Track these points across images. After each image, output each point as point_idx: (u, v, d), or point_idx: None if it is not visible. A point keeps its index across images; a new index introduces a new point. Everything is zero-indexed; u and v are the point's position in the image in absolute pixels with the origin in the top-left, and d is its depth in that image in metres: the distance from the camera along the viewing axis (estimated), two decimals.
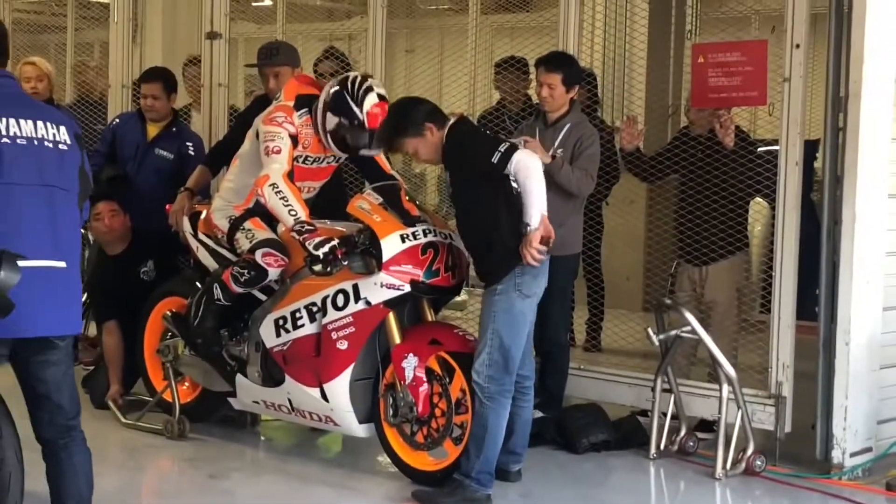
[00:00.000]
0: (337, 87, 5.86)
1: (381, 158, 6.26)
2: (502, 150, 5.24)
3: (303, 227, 5.49)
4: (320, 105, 5.88)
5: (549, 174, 5.98)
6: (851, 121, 5.90)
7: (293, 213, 5.53)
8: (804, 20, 6.04)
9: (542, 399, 6.14)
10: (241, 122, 6.74)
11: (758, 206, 7.22)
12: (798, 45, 6.05)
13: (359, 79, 5.88)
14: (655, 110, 8.44)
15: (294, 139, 5.85)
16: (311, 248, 5.39)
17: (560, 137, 6.34)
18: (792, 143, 6.09)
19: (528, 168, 5.21)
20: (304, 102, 5.93)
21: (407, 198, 5.90)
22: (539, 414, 6.05)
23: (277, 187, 5.59)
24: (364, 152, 5.94)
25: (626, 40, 8.47)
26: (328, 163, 6.16)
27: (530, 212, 5.25)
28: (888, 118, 6.02)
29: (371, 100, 5.81)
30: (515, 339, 5.33)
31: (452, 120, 5.47)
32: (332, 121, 5.85)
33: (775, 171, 6.20)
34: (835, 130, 6.03)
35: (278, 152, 5.74)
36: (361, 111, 5.79)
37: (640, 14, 8.70)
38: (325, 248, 5.39)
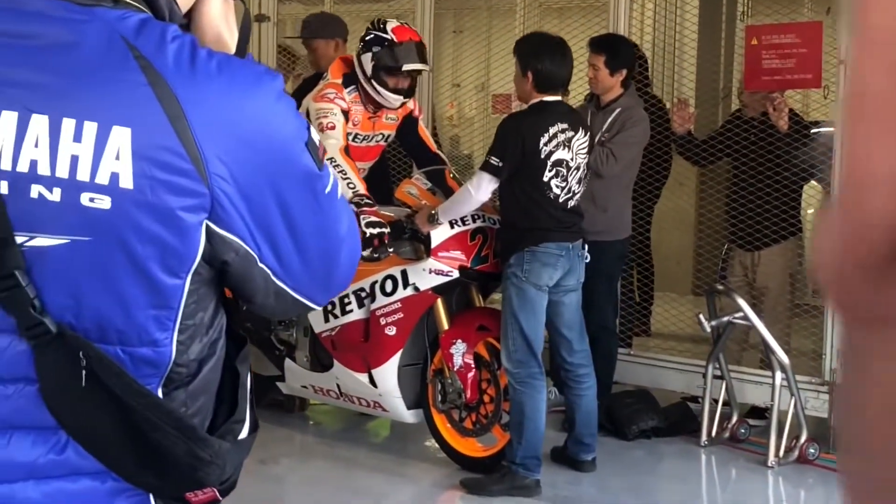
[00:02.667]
0: (364, 34, 5.93)
1: (426, 135, 6.24)
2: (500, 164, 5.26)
3: (362, 199, 5.48)
4: (355, 59, 5.91)
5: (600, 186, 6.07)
6: None
7: (352, 185, 5.53)
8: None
9: None
10: None
11: (811, 189, 7.11)
12: None
13: (376, 19, 5.99)
14: (706, 93, 8.33)
15: (345, 115, 5.83)
16: (364, 224, 5.37)
17: (609, 121, 6.27)
18: None
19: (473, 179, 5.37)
20: (351, 80, 5.91)
21: (451, 176, 5.88)
22: None
23: (335, 161, 5.58)
24: (407, 66, 5.82)
25: (678, 21, 8.35)
26: (377, 141, 6.14)
27: (447, 205, 5.46)
28: None
29: (393, 22, 5.89)
30: (531, 323, 5.31)
31: (537, 101, 5.41)
32: (367, 60, 5.82)
33: (829, 153, 6.10)
34: None
35: (333, 128, 5.72)
36: (387, 32, 5.80)
37: None
38: (374, 231, 5.37)
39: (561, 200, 5.39)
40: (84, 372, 1.44)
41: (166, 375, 1.50)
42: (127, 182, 1.41)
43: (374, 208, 5.51)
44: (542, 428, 5.35)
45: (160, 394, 1.50)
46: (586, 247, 5.58)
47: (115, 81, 1.43)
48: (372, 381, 5.79)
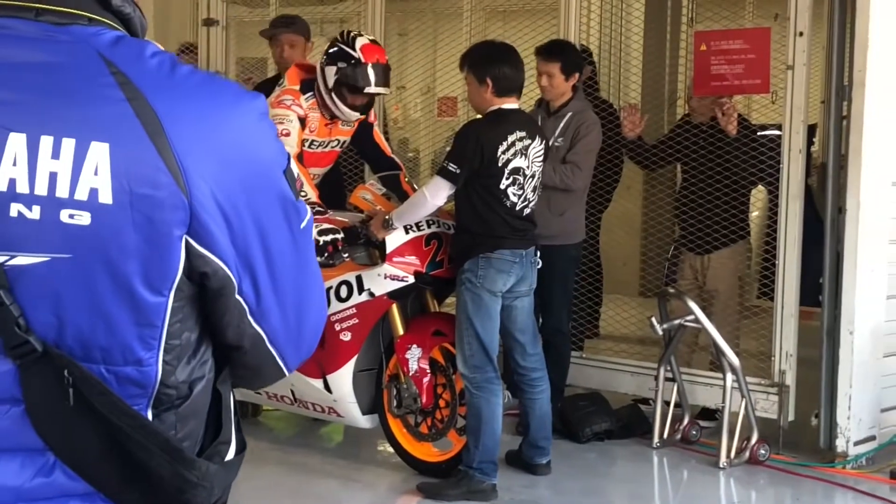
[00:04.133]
0: (329, 44, 5.88)
1: (381, 140, 6.24)
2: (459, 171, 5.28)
3: (313, 207, 5.46)
4: (318, 68, 5.86)
5: (556, 190, 6.14)
6: (856, 109, 5.88)
7: (303, 194, 5.50)
8: (808, 7, 6.02)
9: None
10: None
11: (759, 193, 7.21)
12: (801, 33, 6.03)
13: (346, 31, 5.94)
14: (652, 97, 8.41)
15: (302, 122, 5.81)
16: (316, 232, 5.36)
17: (561, 126, 6.32)
18: (795, 131, 6.08)
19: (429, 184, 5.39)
20: (309, 86, 5.89)
21: (406, 180, 5.90)
22: None
23: None
24: (370, 90, 5.79)
25: (623, 25, 8.42)
26: (332, 147, 6.12)
27: (402, 209, 5.46)
28: (892, 106, 6.00)
29: (362, 40, 5.83)
30: (487, 328, 5.33)
31: (496, 108, 5.42)
32: (331, 74, 5.77)
33: (777, 157, 6.19)
34: (838, 119, 6.02)
35: (287, 135, 5.70)
36: (355, 49, 5.75)
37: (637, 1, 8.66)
38: (328, 237, 5.36)
39: (517, 208, 5.42)
40: (71, 391, 1.43)
41: (154, 396, 1.49)
42: (106, 197, 1.40)
43: (326, 216, 5.50)
44: (499, 432, 5.37)
45: (150, 416, 1.49)
46: (538, 253, 5.61)
47: (92, 97, 1.42)
48: (327, 387, 5.77)
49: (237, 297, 1.51)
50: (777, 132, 6.36)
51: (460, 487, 5.37)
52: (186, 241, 1.44)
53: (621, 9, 8.40)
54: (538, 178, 5.53)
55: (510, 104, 5.43)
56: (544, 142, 5.58)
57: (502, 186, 5.34)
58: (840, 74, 5.99)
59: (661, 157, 6.74)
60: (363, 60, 5.73)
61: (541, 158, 5.53)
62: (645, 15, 8.31)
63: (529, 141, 5.43)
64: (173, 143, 1.42)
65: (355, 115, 5.89)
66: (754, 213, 7.74)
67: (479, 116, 5.53)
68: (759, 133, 6.67)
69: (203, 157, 1.43)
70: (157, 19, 9.40)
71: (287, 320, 1.57)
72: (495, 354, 5.38)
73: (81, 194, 1.40)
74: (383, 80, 5.80)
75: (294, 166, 1.55)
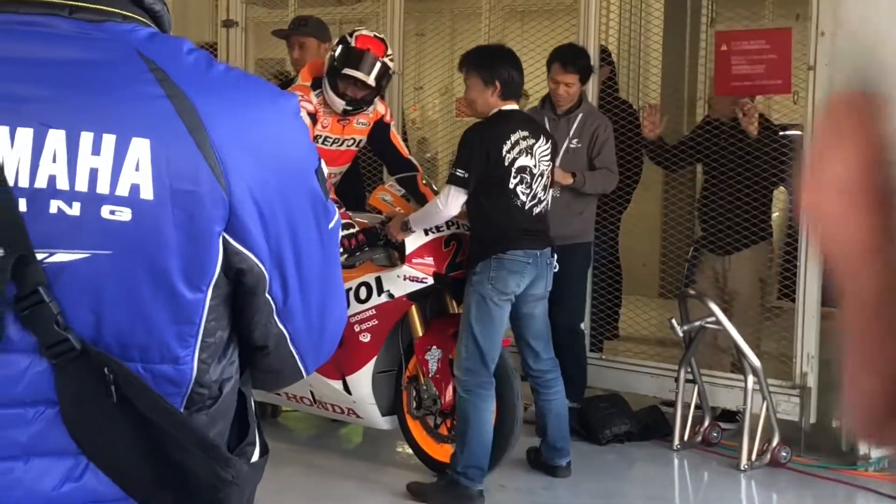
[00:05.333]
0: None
1: (398, 141, 6.22)
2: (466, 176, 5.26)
3: None
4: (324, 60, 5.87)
5: (576, 190, 6.13)
6: None
7: None
8: (830, 8, 5.97)
9: (566, 389, 6.11)
10: None
11: (780, 193, 7.16)
12: (823, 33, 5.99)
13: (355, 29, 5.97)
14: (671, 98, 8.38)
15: (313, 117, 5.79)
16: None
17: (574, 127, 6.33)
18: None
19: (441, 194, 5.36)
20: (321, 83, 5.88)
21: (423, 182, 5.87)
22: (570, 404, 6.00)
23: None
24: (346, 71, 5.66)
25: (643, 26, 8.40)
26: (347, 146, 6.09)
27: (418, 216, 5.44)
28: None
29: (362, 32, 5.83)
30: (488, 334, 5.28)
31: (496, 111, 5.40)
32: (328, 60, 5.78)
33: (798, 157, 6.15)
34: None
35: None
36: (351, 37, 5.75)
37: (657, 1, 8.64)
38: (344, 233, 5.36)
39: (527, 207, 5.40)
40: (113, 388, 1.42)
41: (188, 396, 1.49)
42: (147, 193, 1.40)
43: (342, 212, 5.48)
44: (488, 438, 5.28)
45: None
46: (555, 255, 5.59)
47: (131, 93, 1.42)
48: (346, 388, 5.77)
49: (267, 295, 1.51)
50: (798, 132, 6.33)
51: (445, 492, 5.33)
52: (224, 238, 1.44)
53: (641, 9, 8.37)
54: (547, 177, 5.51)
55: (510, 106, 5.42)
56: (550, 141, 5.56)
57: (511, 186, 5.32)
58: None
59: (682, 157, 6.72)
60: (354, 45, 5.71)
61: (548, 157, 5.50)
62: (664, 15, 8.30)
63: (534, 140, 5.41)
64: (213, 140, 1.42)
65: (341, 104, 5.77)
66: (775, 214, 7.69)
67: (478, 121, 5.50)
68: (780, 133, 6.63)
69: (241, 153, 1.44)
70: (176, 20, 9.34)
71: (310, 321, 1.57)
72: (493, 361, 5.31)
73: (122, 190, 1.40)
74: (367, 67, 5.68)
75: (324, 166, 1.55)
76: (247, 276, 1.48)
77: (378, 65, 5.71)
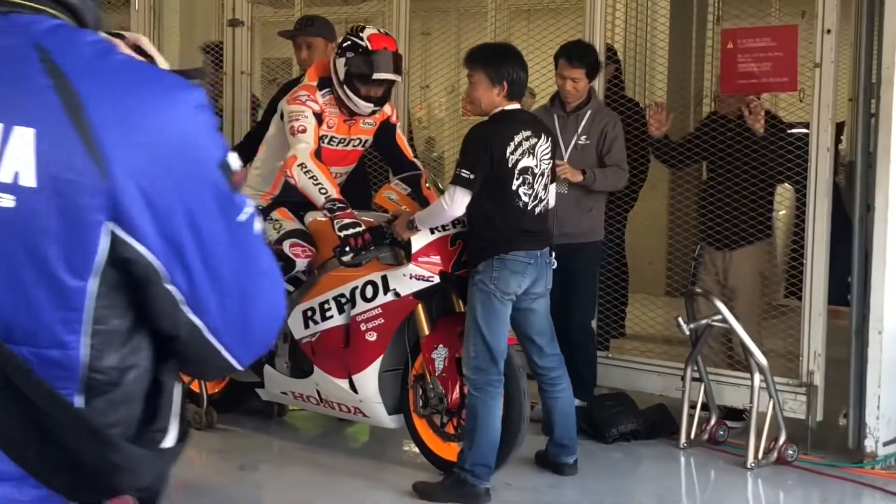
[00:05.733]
0: (341, 39, 5.90)
1: (403, 143, 6.24)
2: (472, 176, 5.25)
3: (334, 204, 5.45)
4: (330, 63, 5.87)
5: (585, 187, 6.15)
6: (884, 106, 5.82)
7: (323, 191, 5.49)
8: (835, 5, 5.97)
9: (575, 387, 6.12)
10: (270, 110, 6.70)
11: (784, 190, 7.15)
12: (829, 31, 5.99)
13: (356, 25, 6.00)
14: (678, 97, 8.37)
15: (318, 117, 5.80)
16: (337, 227, 5.36)
17: (583, 124, 6.34)
18: (823, 129, 6.04)
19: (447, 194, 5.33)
20: (327, 83, 5.89)
21: (427, 184, 5.86)
22: (577, 402, 6.01)
23: (306, 167, 5.55)
24: (377, 75, 5.77)
25: (648, 23, 8.39)
26: (353, 146, 6.11)
27: (423, 216, 5.42)
28: None
29: (370, 30, 5.86)
30: (495, 332, 5.29)
31: (499, 111, 5.40)
32: (341, 65, 5.79)
33: (804, 155, 6.15)
34: (867, 116, 5.97)
35: (304, 131, 5.70)
36: (363, 39, 5.77)
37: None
38: (350, 231, 5.36)
39: (529, 208, 5.40)
40: None
41: (84, 381, 1.49)
42: (29, 181, 1.42)
43: (347, 210, 5.49)
44: (496, 436, 5.29)
45: (81, 402, 1.49)
46: (553, 254, 5.59)
47: (20, 83, 1.44)
48: (352, 387, 5.77)
49: (167, 286, 1.49)
50: (805, 130, 6.32)
51: (452, 491, 5.33)
52: (111, 230, 1.45)
53: (647, 6, 8.37)
54: (548, 176, 5.51)
55: (514, 106, 5.42)
56: (551, 139, 5.56)
57: (513, 187, 5.33)
58: (868, 72, 5.94)
59: (687, 154, 6.71)
60: (371, 48, 5.73)
61: (549, 156, 5.50)
62: (670, 13, 8.29)
63: (536, 140, 5.42)
64: (97, 131, 1.43)
65: (370, 107, 5.87)
66: (782, 212, 7.69)
67: (482, 119, 5.50)
68: (787, 132, 6.62)
69: (127, 145, 1.44)
70: (183, 20, 9.41)
71: (228, 312, 1.55)
72: (502, 358, 5.32)
73: (6, 177, 1.42)
74: (392, 66, 5.78)
75: (234, 161, 1.53)
76: (133, 266, 1.47)
77: (398, 60, 5.84)
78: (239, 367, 1.62)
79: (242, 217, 1.53)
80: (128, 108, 1.45)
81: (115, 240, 1.45)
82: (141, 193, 1.44)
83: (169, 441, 1.60)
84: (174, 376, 1.63)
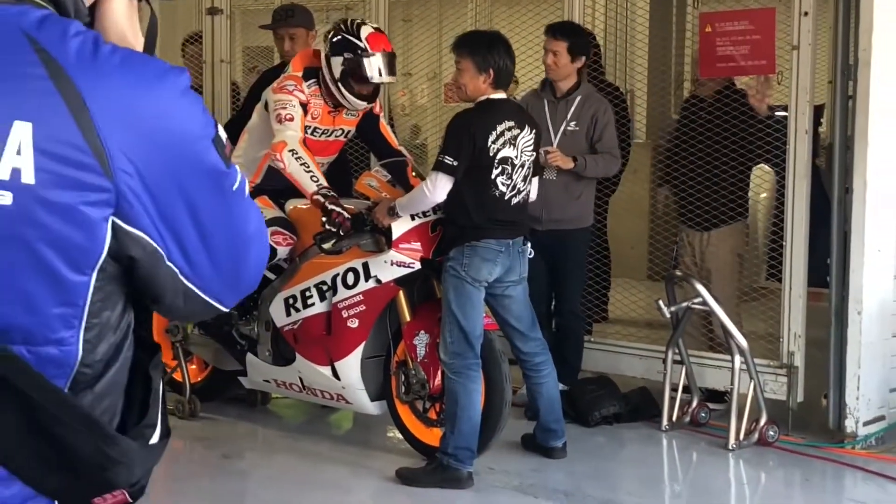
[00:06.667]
0: (332, 33, 5.87)
1: (387, 132, 6.25)
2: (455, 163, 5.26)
3: (328, 191, 5.46)
4: (322, 59, 5.85)
5: (574, 174, 6.17)
6: (861, 89, 5.86)
7: (315, 178, 5.50)
8: None
9: (560, 370, 6.14)
10: (251, 98, 6.69)
11: (761, 172, 7.17)
12: (806, 13, 6.01)
13: (349, 20, 5.94)
14: (659, 81, 8.39)
15: (304, 107, 5.80)
16: (328, 206, 5.37)
17: (572, 110, 6.34)
18: (801, 112, 6.07)
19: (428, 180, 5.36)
20: (312, 74, 5.89)
21: (413, 173, 5.89)
22: (561, 387, 6.03)
23: (297, 153, 5.56)
24: (376, 80, 5.81)
25: (629, 9, 8.40)
26: (336, 136, 6.12)
27: (405, 202, 5.45)
28: None
29: (367, 29, 5.85)
30: (468, 316, 5.32)
31: (484, 99, 5.41)
32: (336, 64, 5.79)
33: (783, 138, 6.18)
34: (844, 98, 5.99)
35: (291, 119, 5.70)
36: (361, 39, 5.76)
37: None
38: (332, 206, 5.38)
39: (506, 198, 5.42)
40: None
41: (73, 377, 1.49)
42: (29, 177, 1.40)
43: (338, 199, 5.50)
44: (477, 419, 5.33)
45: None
46: (528, 243, 5.60)
47: (15, 76, 1.42)
48: (335, 374, 5.79)
49: (167, 263, 1.51)
50: (784, 113, 6.34)
51: (435, 475, 5.36)
52: (113, 222, 1.44)
53: None
54: (528, 167, 5.52)
55: (499, 95, 5.43)
56: (535, 131, 5.57)
57: (492, 177, 5.34)
58: (845, 54, 5.97)
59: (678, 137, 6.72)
60: (370, 51, 5.74)
61: (531, 148, 5.52)
62: None
63: (518, 131, 5.43)
64: (97, 123, 1.42)
65: (363, 105, 5.91)
66: (762, 195, 7.72)
67: (467, 106, 5.52)
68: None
69: (127, 134, 1.43)
70: (164, 8, 9.38)
71: (221, 272, 1.57)
72: (479, 342, 5.35)
73: (4, 173, 1.39)
74: (389, 69, 5.82)
75: (222, 133, 1.54)
76: (142, 255, 1.48)
77: (394, 60, 5.90)
78: (224, 310, 1.64)
79: (235, 186, 1.55)
80: (124, 99, 1.44)
81: (118, 232, 1.45)
82: (141, 182, 1.44)
83: (156, 437, 1.60)
84: (160, 372, 1.65)
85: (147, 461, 1.57)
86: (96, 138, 1.42)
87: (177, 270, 1.52)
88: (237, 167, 1.56)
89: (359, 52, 5.74)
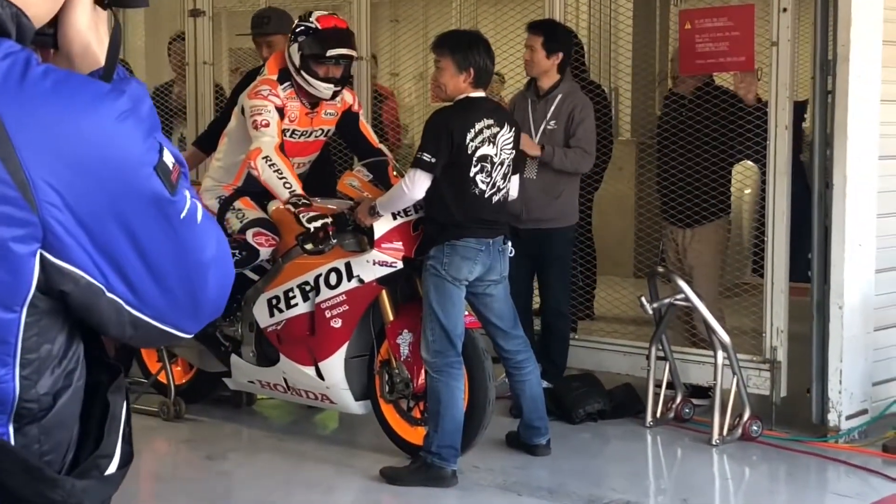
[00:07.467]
0: (293, 28, 5.94)
1: (368, 131, 6.26)
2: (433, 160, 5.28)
3: (299, 199, 5.47)
4: (286, 54, 5.89)
5: (546, 164, 6.09)
6: (840, 84, 5.87)
7: (288, 185, 5.50)
8: None
9: (545, 369, 6.17)
10: (232, 101, 6.70)
11: (745, 168, 7.19)
12: (785, 9, 6.03)
13: (305, 13, 6.02)
14: (643, 79, 8.41)
15: (280, 111, 5.81)
16: (304, 220, 5.38)
17: (552, 109, 6.35)
18: (781, 108, 6.09)
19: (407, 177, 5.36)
20: (288, 76, 5.90)
21: (395, 172, 5.89)
22: (545, 384, 6.05)
23: (271, 160, 5.56)
24: (331, 52, 5.80)
25: (612, 7, 8.42)
26: (316, 137, 6.12)
27: (385, 201, 5.44)
28: (877, 80, 5.99)
29: (318, 13, 5.92)
30: (449, 315, 5.33)
31: (463, 97, 5.43)
32: (295, 52, 5.83)
33: (763, 133, 6.20)
34: (823, 93, 6.01)
35: (266, 125, 5.70)
36: (311, 22, 5.82)
37: None
38: (318, 224, 5.38)
39: (486, 196, 5.43)
40: None
41: (14, 412, 1.44)
42: None
43: (311, 205, 5.51)
44: (460, 417, 5.34)
45: (11, 430, 1.44)
46: (509, 242, 5.62)
47: None
48: (319, 374, 5.80)
49: (109, 295, 1.44)
50: (764, 108, 6.35)
51: (419, 474, 5.37)
52: (41, 256, 1.38)
53: None
54: (507, 165, 5.53)
55: (478, 93, 5.45)
56: (514, 129, 5.58)
57: (471, 174, 5.36)
58: (825, 49, 5.99)
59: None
60: (320, 27, 5.78)
61: (510, 146, 5.53)
62: None
63: (498, 129, 5.45)
64: (20, 152, 1.35)
65: (330, 88, 5.87)
66: (747, 191, 7.73)
67: (445, 105, 5.53)
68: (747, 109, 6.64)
69: (55, 164, 1.37)
70: (149, 11, 9.39)
71: (175, 300, 1.50)
72: (459, 339, 5.36)
73: None
74: (344, 42, 5.84)
75: (168, 158, 1.46)
76: (74, 289, 1.42)
77: (350, 36, 5.92)
78: (186, 337, 1.58)
79: (184, 214, 1.47)
80: (52, 127, 1.37)
81: (46, 266, 1.39)
82: (71, 214, 1.38)
83: (113, 467, 1.55)
84: (121, 397, 1.59)
85: (100, 494, 1.53)
86: (19, 169, 1.35)
87: (121, 301, 1.45)
88: (187, 194, 1.48)
89: (311, 32, 5.78)
